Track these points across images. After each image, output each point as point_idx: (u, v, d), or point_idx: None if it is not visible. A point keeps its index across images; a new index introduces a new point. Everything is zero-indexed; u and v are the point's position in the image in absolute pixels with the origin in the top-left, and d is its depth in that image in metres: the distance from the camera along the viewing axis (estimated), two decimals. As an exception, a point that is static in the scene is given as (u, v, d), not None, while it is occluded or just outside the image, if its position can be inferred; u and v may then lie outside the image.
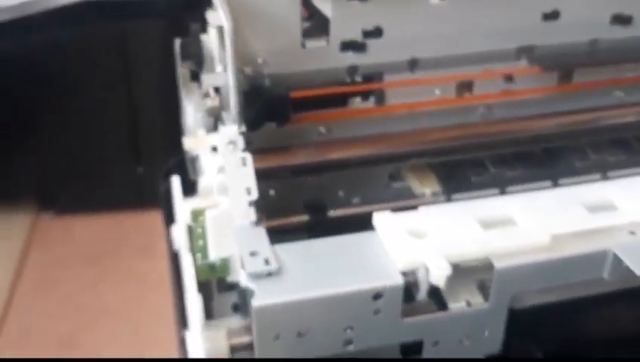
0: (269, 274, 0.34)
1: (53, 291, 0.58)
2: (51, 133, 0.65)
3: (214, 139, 0.43)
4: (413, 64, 0.47)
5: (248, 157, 0.39)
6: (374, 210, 0.40)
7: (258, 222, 0.38)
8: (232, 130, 0.39)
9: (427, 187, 0.48)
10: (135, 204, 0.67)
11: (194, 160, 0.49)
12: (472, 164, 0.50)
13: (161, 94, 0.63)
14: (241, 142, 0.39)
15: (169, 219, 0.58)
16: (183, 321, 0.49)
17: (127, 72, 0.63)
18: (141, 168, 0.65)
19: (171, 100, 0.58)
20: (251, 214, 0.38)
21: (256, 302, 0.33)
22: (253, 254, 0.35)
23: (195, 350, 0.37)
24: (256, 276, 0.34)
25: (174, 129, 0.63)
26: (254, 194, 0.38)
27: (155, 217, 0.66)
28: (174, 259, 0.55)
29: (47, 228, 0.65)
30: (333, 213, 0.47)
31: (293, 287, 0.34)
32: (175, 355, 0.52)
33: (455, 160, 0.49)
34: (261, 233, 0.37)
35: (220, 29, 0.42)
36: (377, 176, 0.49)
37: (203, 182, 0.42)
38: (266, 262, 0.35)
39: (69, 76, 0.63)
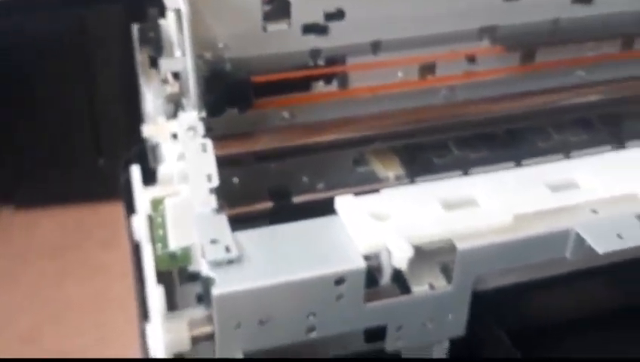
0: (230, 262, 0.34)
1: (15, 285, 0.57)
2: (9, 126, 0.64)
3: (174, 125, 0.43)
4: (376, 46, 0.47)
5: (209, 143, 0.38)
6: (338, 195, 0.40)
7: (219, 210, 0.38)
8: (191, 116, 0.39)
9: (391, 170, 0.48)
10: (97, 196, 0.66)
11: (154, 148, 0.48)
12: (435, 146, 0.49)
13: (122, 85, 0.62)
14: (201, 128, 0.39)
15: (130, 209, 0.57)
16: (144, 313, 0.49)
17: (87, 63, 0.62)
18: (102, 160, 0.64)
19: (132, 91, 0.57)
20: (212, 202, 0.38)
21: (216, 291, 0.32)
22: (213, 242, 0.35)
23: (155, 342, 0.36)
24: (216, 264, 0.34)
25: (136, 120, 0.62)
26: (215, 181, 0.38)
27: (117, 209, 0.65)
28: (136, 250, 0.54)
29: (8, 222, 0.64)
30: (297, 199, 0.46)
31: (255, 274, 0.33)
32: (137, 348, 0.51)
33: (418, 143, 0.49)
34: (222, 221, 0.37)
35: (178, 13, 0.41)
36: (341, 160, 0.49)
37: (163, 170, 0.41)
38: (227, 249, 0.34)
39: (28, 67, 0.62)
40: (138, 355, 0.51)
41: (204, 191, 0.38)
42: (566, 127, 0.51)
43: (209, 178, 0.38)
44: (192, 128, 0.39)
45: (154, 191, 0.40)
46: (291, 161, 0.47)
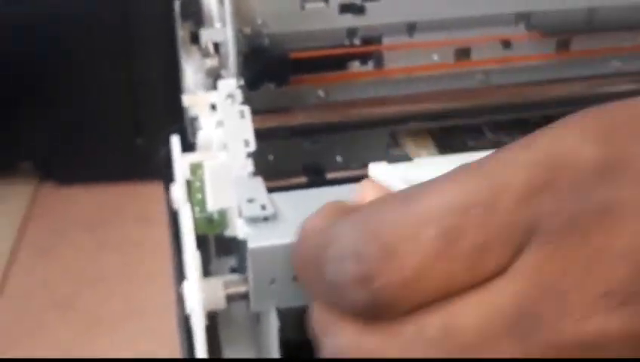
0: (266, 219, 0.35)
1: (53, 257, 0.59)
2: (52, 104, 0.65)
3: (213, 96, 0.44)
4: (411, 27, 0.48)
5: (246, 109, 0.39)
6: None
7: (256, 174, 0.39)
8: (230, 83, 0.40)
9: (424, 152, 0.48)
10: (134, 176, 0.67)
11: (193, 120, 0.49)
12: (469, 129, 0.50)
13: (162, 66, 0.63)
14: (239, 95, 0.40)
15: (168, 182, 0.59)
16: (180, 278, 0.50)
17: (127, 41, 0.63)
18: (140, 139, 0.66)
19: (172, 73, 0.58)
20: (249, 165, 0.39)
21: (252, 244, 0.33)
22: (250, 201, 0.36)
23: (191, 301, 0.37)
24: (252, 220, 0.34)
25: (175, 101, 0.64)
26: (252, 146, 0.39)
27: (153, 188, 0.67)
28: (174, 219, 0.55)
29: (48, 197, 0.66)
30: (330, 176, 0.47)
31: (289, 231, 0.34)
32: (171, 315, 0.52)
33: (452, 126, 0.50)
34: (258, 182, 0.37)
35: (220, -13, 0.42)
36: (375, 140, 0.50)
37: (201, 137, 0.42)
38: (263, 207, 0.35)
39: (70, 46, 0.64)
40: (172, 322, 0.52)
41: (242, 156, 0.39)
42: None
43: (246, 143, 0.39)
44: (230, 95, 0.40)
45: (193, 157, 0.41)
46: (325, 138, 0.49)
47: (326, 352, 0.21)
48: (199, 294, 0.35)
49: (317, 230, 0.23)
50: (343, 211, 0.23)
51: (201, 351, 0.35)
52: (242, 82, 0.41)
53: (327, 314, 0.21)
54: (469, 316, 0.19)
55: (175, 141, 0.48)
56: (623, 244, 0.19)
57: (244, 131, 0.39)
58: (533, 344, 0.19)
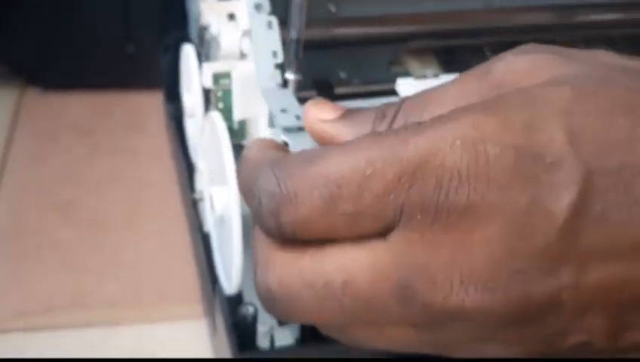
0: (300, 129, 0.36)
1: (47, 162, 0.58)
2: (35, 4, 0.63)
3: (232, 5, 0.44)
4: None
5: (274, 20, 0.40)
6: (378, 90, 0.42)
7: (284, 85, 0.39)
8: (258, -7, 0.40)
9: (429, 69, 0.50)
10: (124, 83, 0.67)
11: (203, 29, 0.49)
12: (470, 49, 0.52)
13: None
14: (267, 5, 0.40)
15: (170, 93, 0.59)
16: (190, 187, 0.51)
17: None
18: (132, 46, 0.65)
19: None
20: (277, 77, 0.39)
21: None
22: (283, 111, 0.37)
23: (221, 205, 0.38)
24: (288, 130, 0.36)
25: (167, 7, 0.63)
26: (280, 57, 0.39)
27: (144, 96, 0.66)
28: (178, 130, 0.56)
29: (35, 103, 0.65)
30: (338, 91, 0.49)
31: (325, 141, 0.35)
32: (178, 218, 0.53)
33: (454, 45, 0.51)
34: (288, 94, 0.38)
35: None
36: (377, 58, 0.51)
37: (224, 47, 0.42)
38: (297, 117, 0.36)
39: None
40: (179, 225, 0.53)
41: (270, 67, 0.39)
42: (595, 42, 0.53)
43: (274, 54, 0.40)
44: (258, 5, 0.40)
45: (217, 66, 0.41)
46: (332, 53, 0.49)
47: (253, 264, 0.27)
48: (236, 198, 0.37)
49: (252, 161, 0.28)
50: (274, 149, 0.29)
51: (237, 253, 0.37)
52: (268, -9, 0.41)
53: (260, 235, 0.26)
54: (360, 263, 0.24)
55: (189, 50, 0.48)
56: (479, 243, 0.23)
57: (272, 42, 0.40)
58: (414, 308, 0.24)
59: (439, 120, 0.24)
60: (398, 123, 0.28)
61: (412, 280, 0.23)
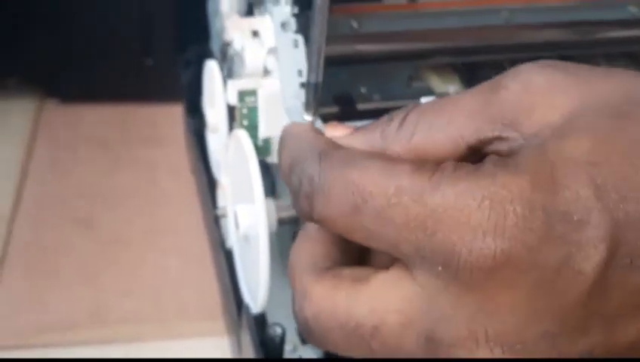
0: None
1: (67, 174, 0.59)
2: (55, 18, 0.64)
3: (256, 22, 0.44)
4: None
5: (300, 39, 0.40)
6: (398, 105, 0.42)
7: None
8: (284, 11, 0.40)
9: (450, 86, 0.50)
10: (141, 96, 0.67)
11: (226, 45, 0.49)
12: (491, 66, 0.51)
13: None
14: (293, 23, 0.40)
15: (191, 108, 0.59)
16: (212, 202, 0.51)
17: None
18: (150, 60, 0.65)
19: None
20: (302, 95, 0.40)
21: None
22: (309, 130, 0.37)
23: (247, 222, 0.38)
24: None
25: (187, 22, 0.63)
26: (305, 76, 0.39)
27: (161, 110, 0.67)
28: (199, 144, 0.56)
29: (52, 115, 0.65)
30: (361, 107, 0.49)
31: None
32: (199, 234, 0.53)
33: (475, 61, 0.51)
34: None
35: None
36: (398, 74, 0.51)
37: (249, 64, 0.42)
38: (322, 136, 0.36)
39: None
40: (198, 242, 0.53)
41: (295, 85, 0.39)
42: (616, 59, 0.53)
43: (299, 73, 0.40)
44: (284, 23, 0.40)
45: (242, 83, 0.41)
46: (353, 70, 0.49)
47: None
48: (263, 218, 0.37)
49: (302, 141, 0.28)
50: (319, 140, 0.29)
51: (264, 274, 0.37)
52: (296, 10, 0.41)
53: (297, 264, 0.28)
54: (391, 308, 0.25)
55: (214, 66, 0.48)
56: (505, 306, 0.23)
57: (297, 61, 0.40)
58: (438, 356, 0.24)
59: (474, 173, 0.24)
60: (407, 127, 0.28)
61: (438, 331, 0.24)
